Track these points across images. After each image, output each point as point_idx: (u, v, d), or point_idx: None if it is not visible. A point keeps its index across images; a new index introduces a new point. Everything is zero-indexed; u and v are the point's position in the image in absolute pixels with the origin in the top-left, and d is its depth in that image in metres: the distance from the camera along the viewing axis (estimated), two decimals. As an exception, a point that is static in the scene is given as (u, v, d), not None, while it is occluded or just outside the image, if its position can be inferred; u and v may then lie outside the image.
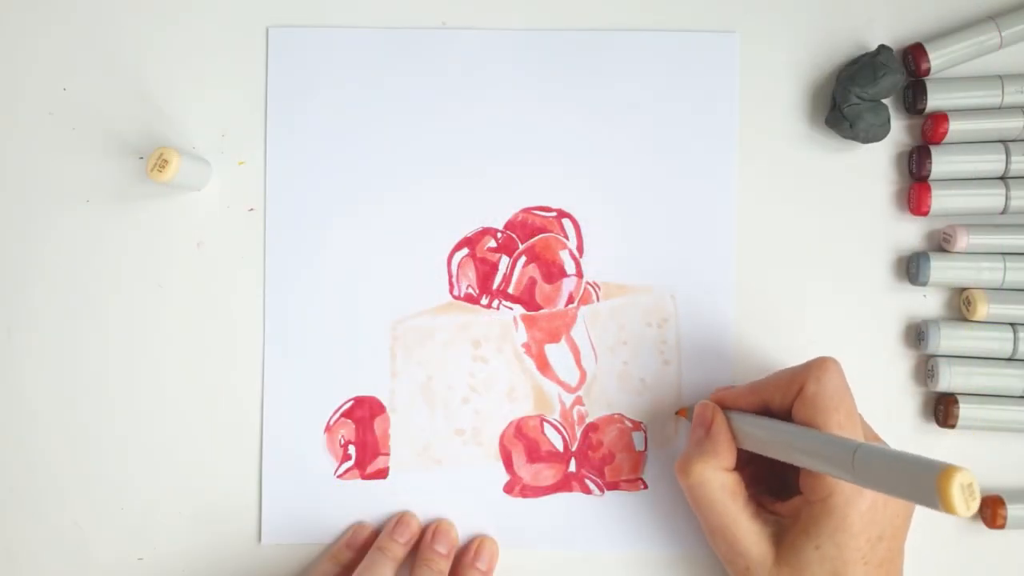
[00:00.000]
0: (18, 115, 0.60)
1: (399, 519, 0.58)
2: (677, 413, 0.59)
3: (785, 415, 0.51)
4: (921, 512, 0.59)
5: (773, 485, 0.55)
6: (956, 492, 0.36)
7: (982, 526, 0.59)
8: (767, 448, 0.50)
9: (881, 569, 0.49)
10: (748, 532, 0.51)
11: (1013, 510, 0.57)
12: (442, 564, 0.57)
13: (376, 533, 0.59)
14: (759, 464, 0.54)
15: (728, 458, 0.52)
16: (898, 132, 0.60)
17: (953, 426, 0.58)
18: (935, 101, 0.58)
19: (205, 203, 0.60)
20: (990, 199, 0.57)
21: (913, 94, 0.59)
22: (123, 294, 0.60)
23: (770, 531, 0.51)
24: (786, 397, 0.51)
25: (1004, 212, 0.58)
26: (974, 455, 0.59)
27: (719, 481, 0.51)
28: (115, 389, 0.60)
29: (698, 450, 0.52)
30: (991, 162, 0.57)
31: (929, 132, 0.58)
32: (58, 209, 0.60)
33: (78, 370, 0.60)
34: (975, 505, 0.36)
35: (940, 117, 0.57)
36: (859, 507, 0.48)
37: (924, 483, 0.37)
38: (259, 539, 0.59)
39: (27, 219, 0.60)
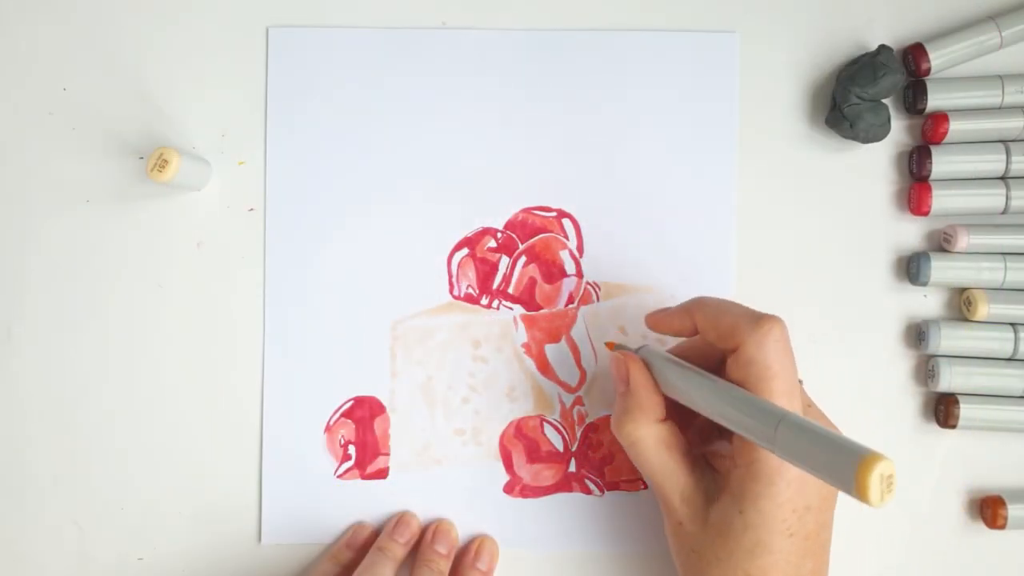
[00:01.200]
0: (18, 115, 0.60)
1: (399, 519, 0.58)
2: (606, 344, 0.57)
3: (716, 354, 0.49)
4: (922, 512, 0.59)
5: (717, 431, 0.53)
6: (874, 482, 0.35)
7: (982, 526, 0.59)
8: (691, 402, 0.48)
9: (808, 542, 0.47)
10: (684, 486, 0.49)
11: (1013, 510, 0.57)
12: (442, 564, 0.57)
13: (376, 533, 0.59)
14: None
15: (655, 409, 0.50)
16: (898, 132, 0.60)
17: (954, 426, 0.57)
18: (935, 101, 0.58)
19: (205, 203, 0.60)
20: (990, 199, 0.57)
21: (913, 94, 0.59)
22: (123, 294, 0.60)
23: (705, 488, 0.49)
24: (721, 342, 0.48)
25: (1004, 212, 0.58)
26: (974, 455, 0.59)
27: (652, 436, 0.49)
28: (115, 389, 0.60)
29: (623, 407, 0.50)
30: (991, 162, 0.57)
31: (929, 132, 0.58)
32: (58, 209, 0.60)
33: (78, 370, 0.60)
34: (890, 497, 0.36)
35: (940, 117, 0.57)
36: (786, 475, 0.46)
37: (844, 467, 0.36)
38: (259, 539, 0.59)
39: (27, 219, 0.60)
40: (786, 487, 0.46)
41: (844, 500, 0.56)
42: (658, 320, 0.53)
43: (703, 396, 0.47)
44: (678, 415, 0.51)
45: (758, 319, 0.47)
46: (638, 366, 0.51)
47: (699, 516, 0.49)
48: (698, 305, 0.50)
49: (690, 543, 0.49)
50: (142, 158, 0.60)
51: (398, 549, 0.57)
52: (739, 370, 0.46)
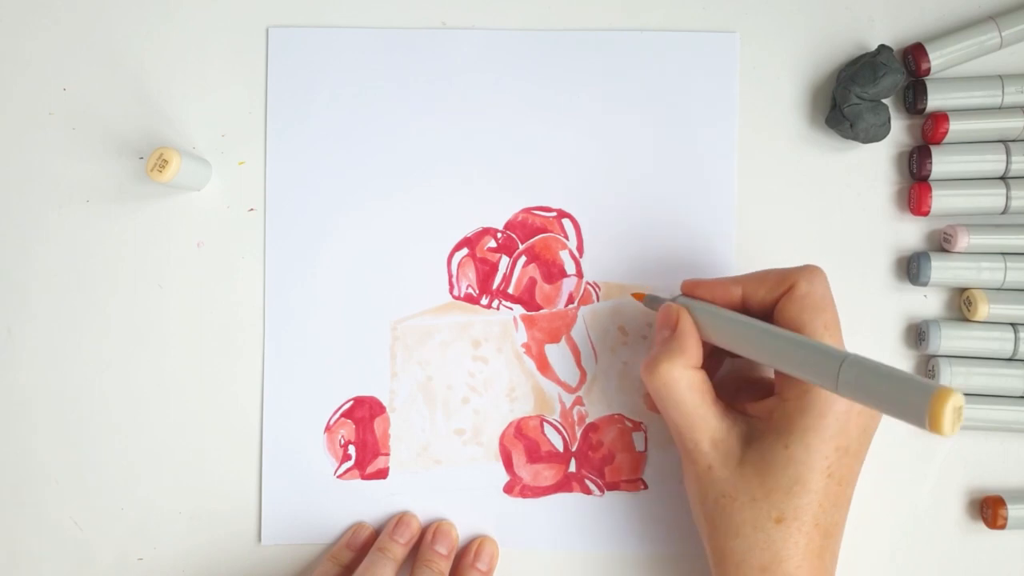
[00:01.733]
0: (18, 115, 0.60)
1: (399, 519, 0.58)
2: (633, 295, 0.58)
3: (762, 314, 0.51)
4: (921, 510, 0.59)
5: (745, 387, 0.55)
6: (948, 413, 0.37)
7: (982, 526, 0.59)
8: (742, 347, 0.49)
9: (840, 489, 0.49)
10: (715, 430, 0.50)
11: (1013, 510, 0.57)
12: (442, 564, 0.57)
13: (376, 534, 0.59)
14: (730, 364, 0.54)
15: (695, 356, 0.51)
16: (898, 132, 0.60)
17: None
18: (935, 101, 0.58)
19: (205, 203, 0.60)
20: (990, 199, 0.57)
21: (913, 94, 0.59)
22: (123, 294, 0.60)
23: (739, 430, 0.50)
24: (771, 293, 0.50)
25: (1005, 212, 0.58)
26: (974, 455, 0.59)
27: (686, 380, 0.50)
28: (115, 389, 0.60)
29: (664, 349, 0.51)
30: (991, 162, 0.57)
31: (929, 132, 0.58)
32: (58, 209, 0.60)
33: (78, 370, 0.60)
34: (958, 427, 0.37)
35: (940, 117, 0.57)
36: (835, 408, 0.47)
37: (916, 401, 0.38)
38: (259, 539, 0.59)
39: (27, 219, 0.60)
40: (834, 420, 0.47)
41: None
42: (698, 285, 0.54)
43: (758, 340, 0.48)
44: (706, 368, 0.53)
45: (805, 265, 0.51)
46: (687, 313, 0.52)
47: (732, 457, 0.50)
48: (741, 275, 0.53)
49: (720, 487, 0.50)
50: (142, 158, 0.60)
51: (398, 549, 0.57)
52: (792, 307, 0.49)
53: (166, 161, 0.54)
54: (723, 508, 0.50)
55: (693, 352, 0.51)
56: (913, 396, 0.38)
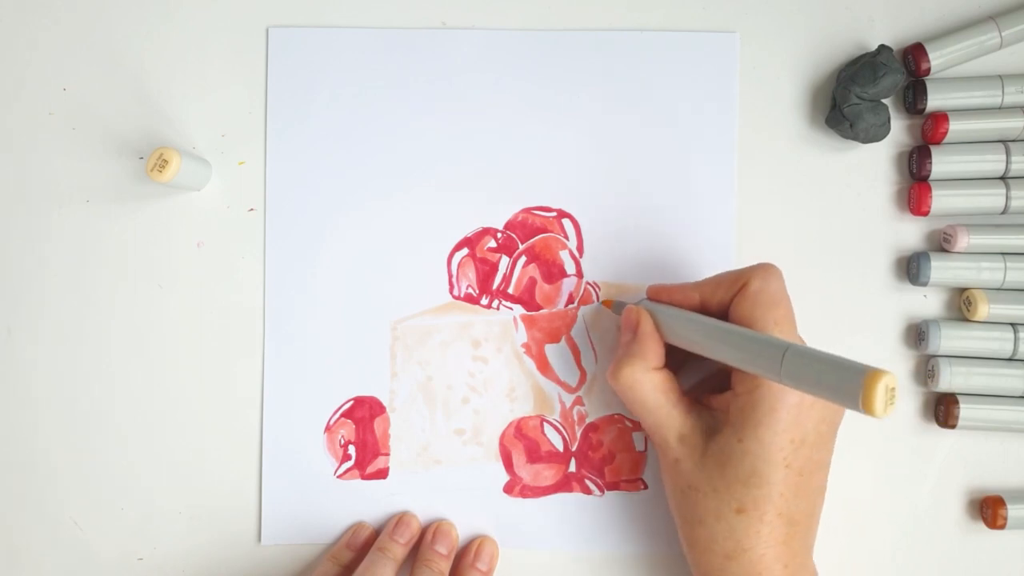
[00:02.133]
0: (18, 115, 0.60)
1: (399, 519, 0.58)
2: (603, 303, 0.59)
3: (720, 315, 0.52)
4: (921, 510, 0.59)
5: (708, 381, 0.56)
6: (879, 394, 0.37)
7: (982, 526, 0.59)
8: (696, 345, 0.50)
9: (802, 479, 0.49)
10: (681, 426, 0.51)
11: (1013, 510, 0.57)
12: (442, 564, 0.57)
13: (376, 533, 0.59)
14: (698, 362, 0.55)
15: (656, 357, 0.52)
16: (898, 132, 0.60)
17: (954, 426, 0.57)
18: (935, 101, 0.58)
19: (205, 203, 0.60)
20: (990, 199, 0.57)
21: (913, 94, 0.59)
22: (123, 294, 0.60)
23: (703, 424, 0.51)
24: (727, 293, 0.51)
25: (1005, 212, 0.58)
26: (974, 455, 0.59)
27: (649, 382, 0.52)
28: (115, 389, 0.60)
29: (626, 353, 0.53)
30: (991, 162, 0.57)
31: (929, 132, 0.58)
32: (58, 209, 0.60)
33: (78, 370, 0.60)
34: (892, 409, 0.38)
35: (940, 117, 0.57)
36: (786, 402, 0.48)
37: (849, 385, 0.38)
38: (259, 539, 0.59)
39: (27, 219, 0.60)
40: (785, 414, 0.48)
41: (844, 500, 0.56)
42: (660, 291, 0.55)
43: (709, 337, 0.49)
44: (671, 367, 0.54)
45: (759, 263, 0.52)
46: (647, 316, 0.53)
47: (696, 451, 0.51)
48: (700, 280, 0.54)
49: (686, 479, 0.51)
50: (142, 158, 0.60)
51: (398, 549, 0.57)
52: (745, 305, 0.50)
53: (166, 161, 0.54)
54: (689, 499, 0.51)
55: (654, 353, 0.52)
56: (847, 379, 0.39)
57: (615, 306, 0.57)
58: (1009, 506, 0.57)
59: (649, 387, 0.52)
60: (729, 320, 0.51)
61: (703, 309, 0.53)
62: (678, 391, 0.53)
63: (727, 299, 0.51)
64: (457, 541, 0.59)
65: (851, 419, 0.58)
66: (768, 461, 0.48)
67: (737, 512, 0.49)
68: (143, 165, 0.60)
